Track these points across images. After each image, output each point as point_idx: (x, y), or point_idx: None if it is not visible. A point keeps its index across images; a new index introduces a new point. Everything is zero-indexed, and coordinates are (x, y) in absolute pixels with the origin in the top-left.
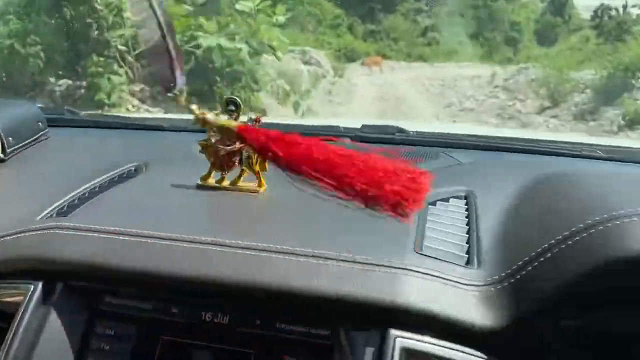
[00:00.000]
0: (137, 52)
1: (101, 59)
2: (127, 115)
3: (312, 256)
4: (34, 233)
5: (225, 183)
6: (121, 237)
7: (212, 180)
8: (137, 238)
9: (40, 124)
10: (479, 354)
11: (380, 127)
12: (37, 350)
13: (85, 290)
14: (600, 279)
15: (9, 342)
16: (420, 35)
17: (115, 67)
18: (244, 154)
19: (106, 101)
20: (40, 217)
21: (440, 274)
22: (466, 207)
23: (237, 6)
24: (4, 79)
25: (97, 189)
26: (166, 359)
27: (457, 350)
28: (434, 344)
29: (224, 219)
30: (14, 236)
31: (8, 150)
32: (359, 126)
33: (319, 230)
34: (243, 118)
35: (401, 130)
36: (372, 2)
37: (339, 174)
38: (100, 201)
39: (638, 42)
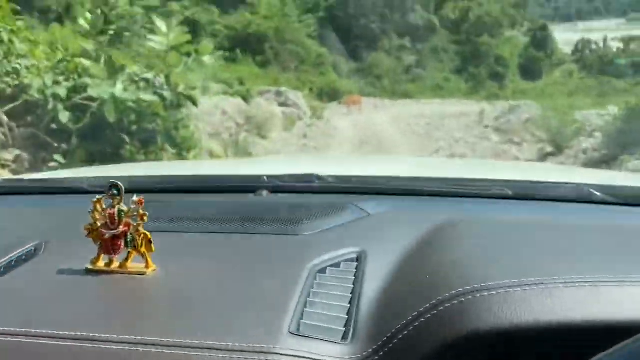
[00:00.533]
0: None
1: None
2: (45, 177)
3: (180, 347)
4: None
5: (115, 265)
6: None
7: (101, 264)
8: (4, 337)
9: None
10: None
11: (300, 176)
12: None
13: None
14: (446, 357)
15: None
16: (404, 72)
17: None
18: (129, 236)
19: None
20: None
21: (311, 355)
22: (356, 271)
23: (149, 43)
24: None
25: None
26: None
27: None
28: None
29: (104, 308)
30: None
31: None
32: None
33: (197, 316)
34: None
35: (320, 178)
36: (355, 40)
37: None
38: None
39: None
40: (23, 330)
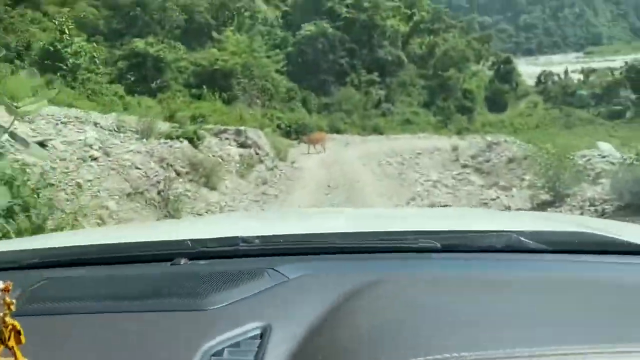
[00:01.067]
0: None
1: None
2: None
3: None
4: None
5: None
6: None
7: None
8: None
9: None
10: None
11: (224, 239)
12: None
13: None
14: None
15: None
16: (374, 107)
17: None
18: None
19: None
20: None
21: None
22: (257, 350)
23: None
24: None
25: None
26: None
27: None
28: None
29: None
30: None
31: None
32: (192, 240)
33: None
34: None
35: (245, 240)
36: (324, 74)
37: None
38: None
39: None
40: None
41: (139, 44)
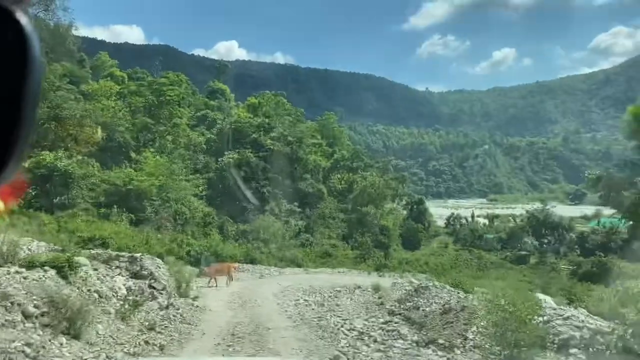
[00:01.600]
0: None
1: None
2: None
3: None
4: None
5: None
6: None
7: None
8: None
9: None
10: None
11: None
12: None
13: None
14: None
15: None
16: (293, 237)
17: None
18: None
19: None
20: None
21: None
22: None
23: None
24: None
25: None
26: None
27: None
28: None
29: None
30: None
31: None
32: None
33: None
34: None
35: None
36: (245, 202)
37: None
38: None
39: None
40: None
41: (47, 156)
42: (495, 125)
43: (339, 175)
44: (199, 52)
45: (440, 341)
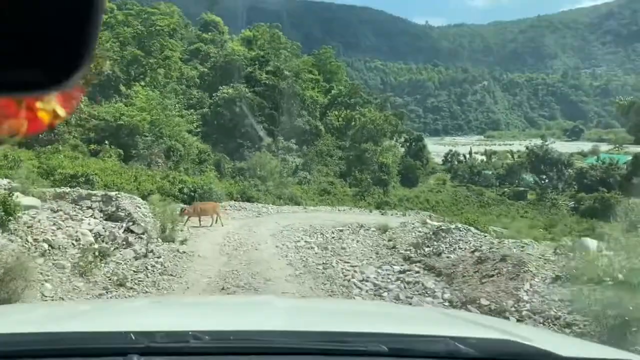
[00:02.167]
0: None
1: None
2: None
3: None
4: None
5: None
6: None
7: None
8: None
9: None
10: None
11: (174, 334)
12: None
13: None
14: None
15: None
16: (291, 174)
17: None
18: None
19: None
20: None
21: None
22: None
23: None
24: None
25: None
26: None
27: None
28: None
29: None
30: None
31: None
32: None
33: None
34: None
35: (196, 337)
36: (241, 138)
37: None
38: None
39: None
40: None
41: None
42: (495, 60)
43: (336, 112)
44: None
45: (484, 302)
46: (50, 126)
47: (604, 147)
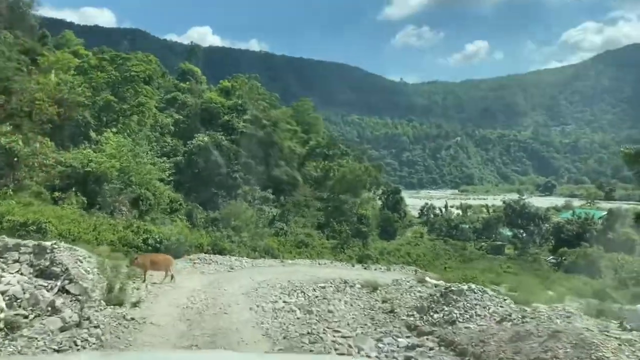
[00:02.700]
0: None
1: None
2: None
3: None
4: None
5: None
6: None
7: None
8: None
9: None
10: None
11: None
12: None
13: None
14: None
15: None
16: (267, 225)
17: None
18: None
19: None
20: None
21: None
22: None
23: None
24: None
25: None
26: None
27: None
28: None
29: None
30: None
31: None
32: None
33: None
34: None
35: None
36: (216, 187)
37: None
38: None
39: None
40: None
41: None
42: (468, 117)
43: (314, 163)
44: (172, 37)
45: None
46: None
47: (576, 202)
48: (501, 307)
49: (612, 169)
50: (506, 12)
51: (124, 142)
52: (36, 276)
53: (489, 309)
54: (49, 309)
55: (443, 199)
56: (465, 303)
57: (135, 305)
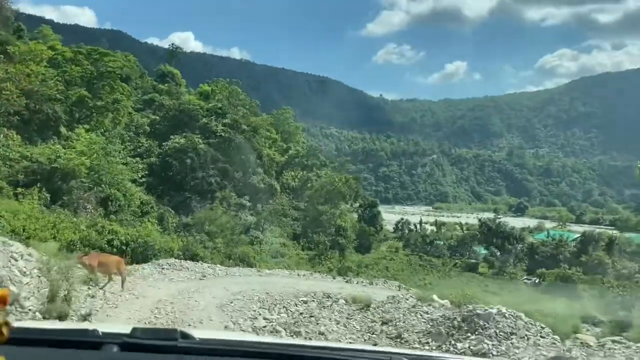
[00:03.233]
0: None
1: None
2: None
3: None
4: None
5: None
6: None
7: None
8: None
9: None
10: None
11: (158, 331)
12: None
13: None
14: None
15: None
16: (242, 233)
17: None
18: None
19: None
20: None
21: None
22: None
23: None
24: None
25: None
26: None
27: None
28: None
29: None
30: None
31: None
32: (127, 331)
33: None
34: None
35: (185, 336)
36: (190, 192)
37: None
38: None
39: None
40: None
41: None
42: (444, 135)
43: (292, 172)
44: (153, 40)
45: None
46: None
47: (547, 224)
48: (541, 337)
49: (583, 193)
50: (485, 35)
51: (96, 140)
52: None
53: (527, 339)
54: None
55: (417, 215)
56: (496, 331)
57: (84, 318)
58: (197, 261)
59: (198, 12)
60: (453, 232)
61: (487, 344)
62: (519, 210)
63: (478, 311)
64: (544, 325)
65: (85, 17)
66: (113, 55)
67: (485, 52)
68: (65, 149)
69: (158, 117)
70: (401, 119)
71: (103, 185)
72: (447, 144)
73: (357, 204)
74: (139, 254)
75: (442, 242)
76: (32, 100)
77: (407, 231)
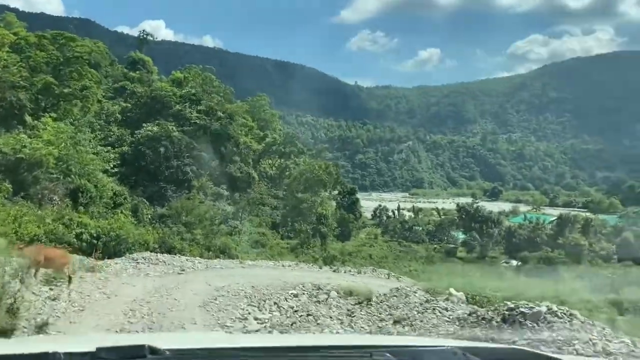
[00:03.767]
0: None
1: None
2: None
3: None
4: None
5: None
6: None
7: None
8: None
9: None
10: None
11: (125, 349)
12: None
13: None
14: None
15: None
16: (221, 223)
17: None
18: None
19: None
20: None
21: None
22: None
23: None
24: None
25: None
26: None
27: None
28: None
29: None
30: None
31: None
32: (92, 349)
33: None
34: None
35: (154, 351)
36: (165, 182)
37: None
38: None
39: None
40: None
41: None
42: (419, 122)
43: (270, 160)
44: (123, 29)
45: None
46: None
47: (522, 207)
48: (607, 340)
49: (555, 176)
50: (457, 21)
51: (64, 129)
52: None
53: (594, 344)
54: None
55: (394, 202)
56: (552, 334)
57: (39, 329)
58: (175, 254)
59: (169, 0)
60: (430, 217)
61: (544, 350)
62: (494, 195)
63: (522, 309)
64: (604, 326)
65: (52, 6)
66: (80, 40)
67: (457, 39)
68: (31, 138)
69: (130, 105)
70: (376, 106)
71: (72, 176)
72: (422, 131)
73: (336, 192)
74: (112, 248)
75: (420, 228)
76: None
77: (385, 218)
